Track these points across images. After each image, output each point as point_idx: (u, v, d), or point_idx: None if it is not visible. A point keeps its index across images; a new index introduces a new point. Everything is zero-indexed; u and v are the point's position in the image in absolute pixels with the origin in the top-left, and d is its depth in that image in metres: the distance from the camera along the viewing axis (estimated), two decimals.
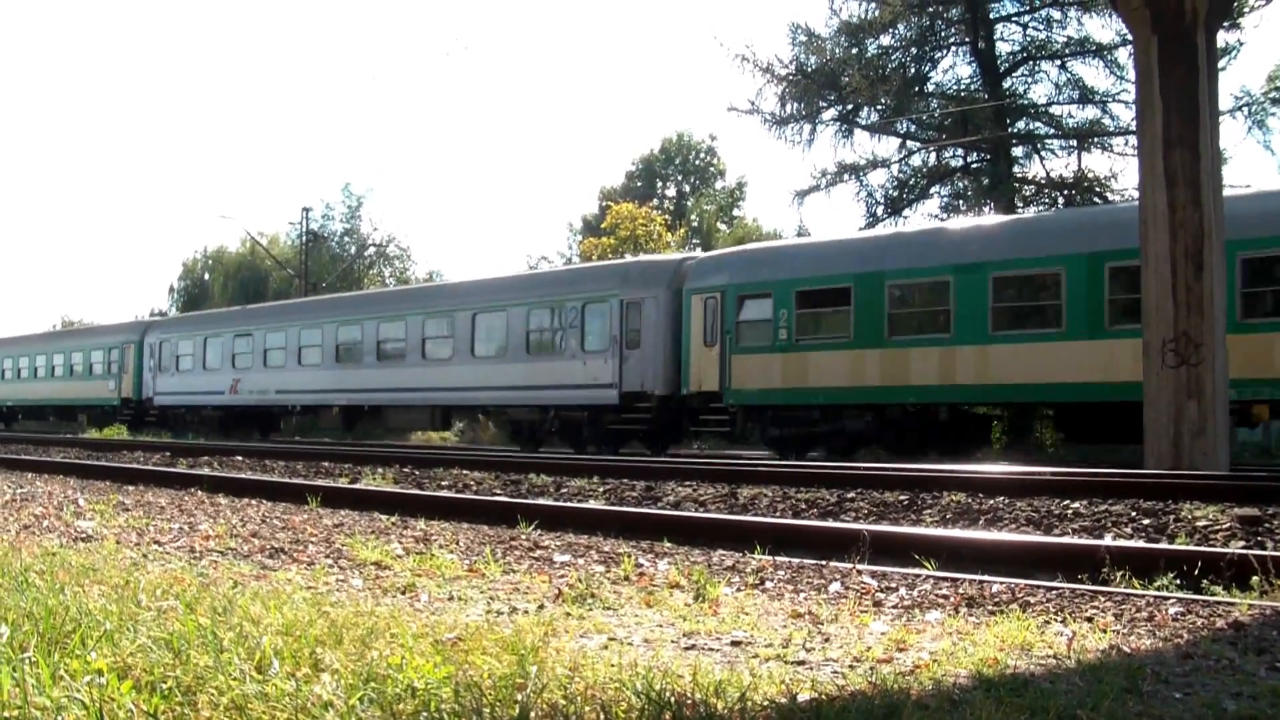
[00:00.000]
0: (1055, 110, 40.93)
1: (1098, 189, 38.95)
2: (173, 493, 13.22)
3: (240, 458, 20.97)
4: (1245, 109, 38.13)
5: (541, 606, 5.57)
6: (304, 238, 64.27)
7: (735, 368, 24.97)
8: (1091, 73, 47.13)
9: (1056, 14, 39.41)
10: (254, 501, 12.18)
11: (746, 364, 24.86)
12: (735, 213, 79.17)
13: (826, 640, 4.77)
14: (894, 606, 5.89)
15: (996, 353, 21.31)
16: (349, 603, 5.29)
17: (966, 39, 40.25)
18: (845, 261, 24.26)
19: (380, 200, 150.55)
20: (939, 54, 41.63)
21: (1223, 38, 33.17)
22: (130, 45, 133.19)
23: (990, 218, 31.53)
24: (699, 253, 32.85)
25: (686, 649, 4.57)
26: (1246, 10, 35.25)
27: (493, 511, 10.48)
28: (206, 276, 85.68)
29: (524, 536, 8.87)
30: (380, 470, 16.90)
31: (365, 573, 6.76)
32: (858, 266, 23.66)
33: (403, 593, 6.01)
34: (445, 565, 7.00)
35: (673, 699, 3.53)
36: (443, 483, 15.21)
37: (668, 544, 8.41)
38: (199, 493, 13.17)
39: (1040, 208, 38.90)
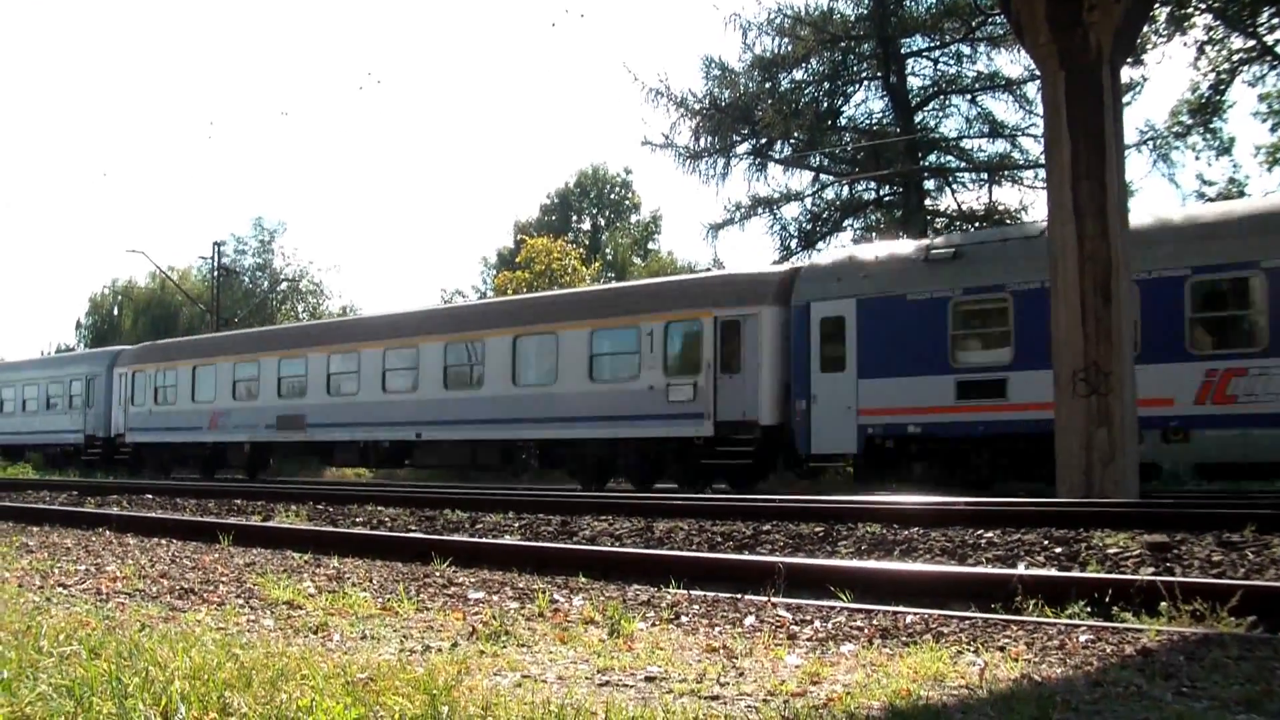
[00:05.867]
0: (966, 144, 41.69)
1: (1008, 221, 39.59)
2: (80, 533, 12.95)
3: (150, 496, 20.60)
4: (1150, 143, 39.02)
5: (455, 644, 5.51)
6: (216, 272, 63.45)
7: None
8: (1001, 107, 48.15)
9: (966, 49, 40.12)
10: (164, 541, 11.97)
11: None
12: (650, 246, 79.48)
13: (741, 674, 4.76)
14: (809, 639, 5.89)
15: None
16: (259, 644, 5.20)
17: (878, 74, 40.79)
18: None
19: (293, 234, 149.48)
20: (851, 89, 42.21)
21: (1127, 73, 34.07)
22: (34, 75, 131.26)
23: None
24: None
25: (600, 685, 4.54)
26: (1149, 47, 36.16)
27: (407, 548, 10.37)
28: (116, 312, 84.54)
29: (439, 573, 8.79)
30: (294, 508, 16.66)
31: (277, 612, 6.65)
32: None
33: (315, 632, 5.92)
34: (358, 603, 6.92)
35: None
36: (357, 519, 15.03)
37: (583, 579, 8.36)
38: (107, 533, 12.91)
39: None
